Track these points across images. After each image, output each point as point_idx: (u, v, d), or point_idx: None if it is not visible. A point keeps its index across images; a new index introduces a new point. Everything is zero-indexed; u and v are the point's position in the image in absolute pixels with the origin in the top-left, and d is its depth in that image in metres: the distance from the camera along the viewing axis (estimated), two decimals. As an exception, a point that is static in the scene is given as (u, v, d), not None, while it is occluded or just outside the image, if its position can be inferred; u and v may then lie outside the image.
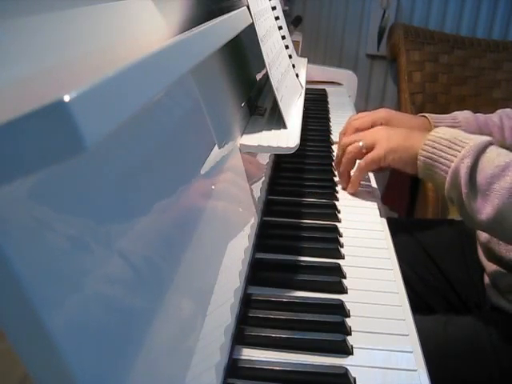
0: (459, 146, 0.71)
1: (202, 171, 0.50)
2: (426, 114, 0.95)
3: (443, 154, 0.72)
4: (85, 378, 0.25)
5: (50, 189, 0.26)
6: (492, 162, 0.67)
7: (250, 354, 0.50)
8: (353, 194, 0.87)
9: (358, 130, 0.95)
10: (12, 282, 0.22)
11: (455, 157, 0.70)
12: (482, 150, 0.69)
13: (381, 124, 0.94)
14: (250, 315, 0.54)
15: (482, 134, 0.92)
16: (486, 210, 0.67)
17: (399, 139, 0.79)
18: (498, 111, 0.99)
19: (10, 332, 0.23)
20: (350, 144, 0.85)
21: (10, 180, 0.21)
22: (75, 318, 0.26)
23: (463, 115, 0.95)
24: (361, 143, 0.83)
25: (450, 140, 0.72)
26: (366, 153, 0.82)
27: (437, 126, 0.91)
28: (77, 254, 0.28)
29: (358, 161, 0.86)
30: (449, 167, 0.71)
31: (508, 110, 0.99)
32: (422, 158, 0.75)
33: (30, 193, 0.25)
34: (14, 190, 0.24)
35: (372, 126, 0.94)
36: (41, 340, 0.23)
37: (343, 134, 0.97)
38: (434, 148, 0.73)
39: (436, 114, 0.96)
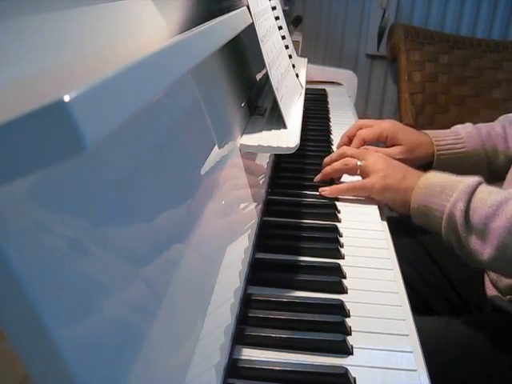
0: (450, 190, 0.71)
1: (202, 171, 0.50)
2: (428, 132, 0.95)
3: (435, 199, 0.72)
4: (85, 378, 0.25)
5: (50, 189, 0.26)
6: (485, 203, 0.68)
7: (250, 354, 0.50)
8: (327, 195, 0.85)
9: (363, 140, 0.95)
10: (12, 282, 0.22)
11: (448, 202, 0.71)
12: (472, 192, 0.70)
13: (387, 136, 0.94)
14: (250, 315, 0.54)
15: (485, 147, 0.93)
16: (486, 250, 0.67)
17: (395, 179, 0.78)
18: (501, 118, 0.98)
19: (10, 332, 0.23)
20: (350, 155, 0.85)
21: (10, 180, 0.21)
22: (75, 318, 0.26)
23: (465, 130, 0.95)
24: (359, 163, 0.83)
25: (441, 185, 0.73)
26: (359, 174, 0.83)
27: (438, 145, 0.93)
28: (77, 253, 0.28)
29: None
30: (443, 212, 0.71)
31: (510, 115, 0.99)
32: (415, 204, 0.75)
33: (30, 193, 0.25)
34: (14, 190, 0.24)
35: (378, 138, 0.95)
36: (41, 340, 0.23)
37: (346, 136, 0.98)
38: (426, 194, 0.74)
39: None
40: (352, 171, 0.84)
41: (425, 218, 0.74)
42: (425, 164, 0.94)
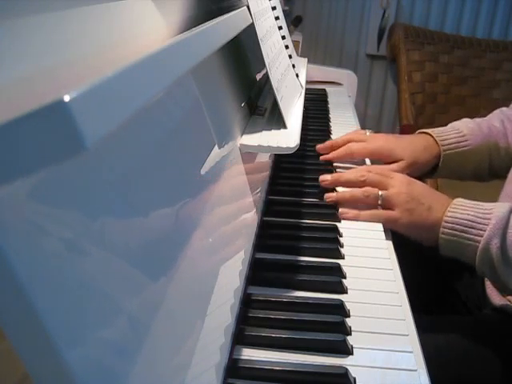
0: (482, 223, 0.68)
1: (202, 171, 0.50)
2: (429, 131, 0.93)
3: (467, 235, 0.69)
4: (85, 378, 0.25)
5: (50, 189, 0.26)
6: None
7: (250, 354, 0.50)
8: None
9: (352, 155, 0.91)
10: (12, 281, 0.22)
11: (481, 237, 0.68)
12: (506, 225, 0.67)
13: (381, 155, 0.89)
14: (250, 315, 0.54)
15: (489, 143, 0.92)
16: None
17: (421, 214, 0.73)
18: (496, 112, 0.98)
19: (10, 332, 0.23)
20: (375, 181, 0.78)
21: (9, 180, 0.21)
22: (75, 318, 0.26)
23: (467, 127, 0.93)
24: (381, 193, 0.76)
25: (470, 219, 0.69)
26: (380, 203, 0.77)
27: (443, 144, 0.90)
28: (77, 254, 0.28)
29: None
30: (476, 247, 0.68)
31: (505, 109, 0.99)
32: (443, 241, 0.71)
33: (30, 193, 0.25)
34: (14, 190, 0.24)
35: (370, 156, 0.92)
36: (41, 340, 0.23)
37: (331, 144, 0.94)
38: (455, 230, 0.70)
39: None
40: (373, 202, 0.77)
41: (455, 252, 0.72)
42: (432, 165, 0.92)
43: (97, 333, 0.27)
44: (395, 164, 0.88)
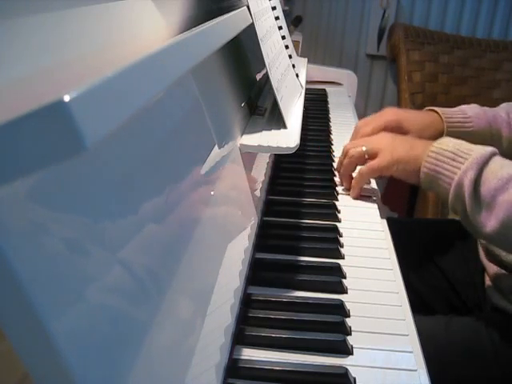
0: (462, 157, 0.70)
1: (202, 171, 0.50)
2: (436, 109, 0.95)
3: (446, 166, 0.71)
4: (85, 378, 0.25)
5: (50, 189, 0.26)
6: (495, 175, 0.67)
7: (250, 354, 0.50)
8: (355, 199, 0.86)
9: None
10: (12, 281, 0.22)
11: (458, 169, 0.70)
12: (485, 162, 0.69)
13: (392, 129, 0.92)
14: (250, 315, 0.54)
15: (491, 128, 0.93)
16: (490, 222, 0.66)
17: (403, 150, 0.78)
18: (503, 105, 0.98)
19: (10, 332, 0.23)
20: (353, 147, 0.84)
21: (9, 180, 0.21)
22: (75, 318, 0.26)
23: (473, 110, 0.95)
24: (364, 148, 0.82)
25: (453, 152, 0.72)
26: (368, 159, 0.82)
27: (448, 122, 0.92)
28: (77, 254, 0.28)
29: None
30: (452, 179, 0.70)
31: None
32: (425, 170, 0.74)
33: (29, 193, 0.25)
34: (14, 190, 0.24)
35: (383, 131, 0.94)
36: (41, 340, 0.23)
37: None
38: (437, 160, 0.73)
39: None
40: (361, 160, 0.83)
41: (434, 184, 0.74)
42: None
43: (97, 333, 0.27)
44: None
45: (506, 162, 0.70)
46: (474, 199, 0.68)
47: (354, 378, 0.48)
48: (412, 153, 0.77)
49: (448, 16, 2.04)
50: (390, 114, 0.95)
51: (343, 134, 1.02)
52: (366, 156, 0.82)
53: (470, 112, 0.94)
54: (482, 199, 0.67)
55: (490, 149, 0.71)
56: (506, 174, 0.66)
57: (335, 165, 0.94)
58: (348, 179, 0.87)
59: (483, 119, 0.93)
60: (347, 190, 0.87)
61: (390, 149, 0.79)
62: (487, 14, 2.03)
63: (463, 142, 0.74)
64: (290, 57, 1.03)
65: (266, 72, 0.74)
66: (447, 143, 0.74)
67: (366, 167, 0.81)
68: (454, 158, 0.71)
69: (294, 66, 1.03)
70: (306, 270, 0.63)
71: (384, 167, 0.79)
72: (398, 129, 0.92)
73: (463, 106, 0.97)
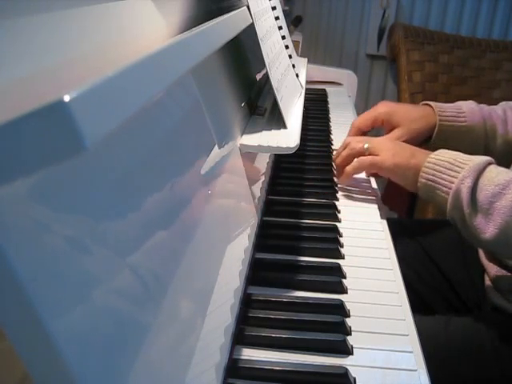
0: (459, 167, 0.71)
1: (202, 171, 0.50)
2: (431, 103, 0.95)
3: (444, 175, 0.72)
4: (85, 378, 0.25)
5: (50, 189, 0.26)
6: (492, 181, 0.68)
7: (250, 354, 0.50)
8: (343, 184, 0.87)
9: (359, 129, 0.95)
10: (12, 281, 0.22)
11: (456, 178, 0.71)
12: (481, 170, 0.70)
13: (382, 121, 0.94)
14: (250, 315, 0.54)
15: (485, 125, 0.94)
16: (489, 229, 0.67)
17: (404, 156, 0.79)
18: (502, 103, 0.99)
19: (10, 332, 0.23)
20: (355, 142, 0.85)
21: (10, 180, 0.21)
22: (75, 318, 0.26)
23: (468, 106, 0.95)
24: (366, 145, 0.83)
25: (450, 162, 0.73)
26: (368, 155, 0.83)
27: (441, 115, 0.93)
28: (77, 254, 0.28)
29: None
30: (450, 189, 0.71)
31: (511, 102, 0.99)
32: (423, 180, 0.75)
33: (30, 193, 0.25)
34: (14, 190, 0.24)
35: (373, 124, 0.95)
36: (41, 340, 0.23)
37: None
38: (435, 170, 0.74)
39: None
40: (361, 155, 0.84)
41: (432, 193, 0.75)
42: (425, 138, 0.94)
43: (97, 332, 0.27)
44: (391, 133, 0.93)
45: (502, 169, 0.71)
46: (471, 206, 0.69)
47: (354, 378, 0.48)
48: (412, 160, 0.78)
49: (448, 16, 2.04)
50: (382, 106, 0.97)
51: (343, 134, 1.02)
52: (367, 153, 0.83)
53: (465, 107, 0.95)
54: (479, 206, 0.68)
55: (485, 158, 0.72)
56: (503, 180, 0.68)
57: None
58: (342, 170, 0.87)
59: (478, 115, 0.94)
60: (339, 179, 0.88)
61: (392, 152, 0.80)
62: (487, 14, 2.03)
63: (460, 153, 0.75)
64: (290, 57, 1.03)
65: (266, 72, 0.74)
66: (444, 154, 0.75)
67: (368, 158, 0.82)
68: (451, 168, 0.72)
69: (294, 65, 1.03)
70: (306, 270, 0.63)
71: (384, 166, 0.80)
72: (388, 121, 0.94)
73: (459, 102, 0.98)
